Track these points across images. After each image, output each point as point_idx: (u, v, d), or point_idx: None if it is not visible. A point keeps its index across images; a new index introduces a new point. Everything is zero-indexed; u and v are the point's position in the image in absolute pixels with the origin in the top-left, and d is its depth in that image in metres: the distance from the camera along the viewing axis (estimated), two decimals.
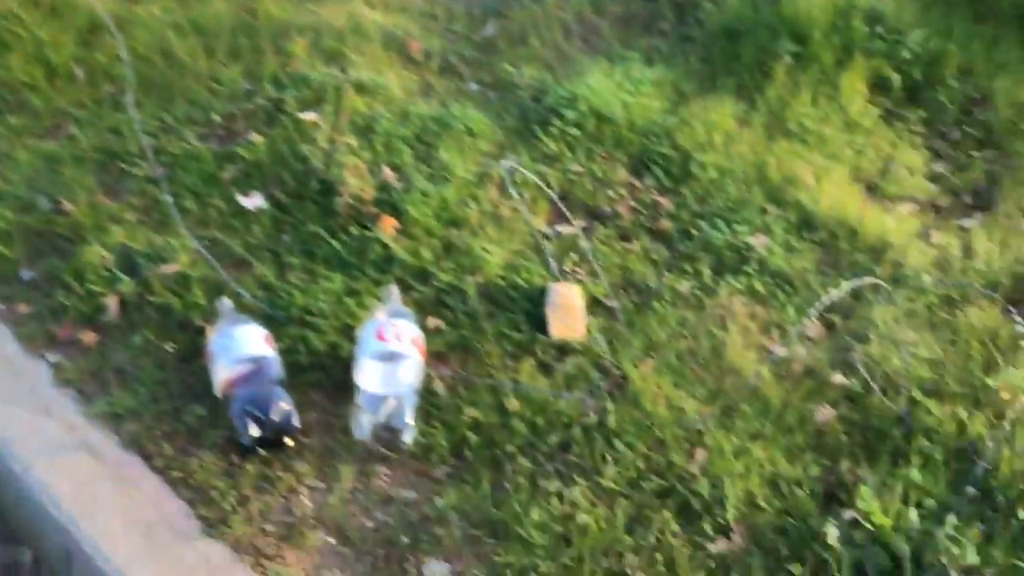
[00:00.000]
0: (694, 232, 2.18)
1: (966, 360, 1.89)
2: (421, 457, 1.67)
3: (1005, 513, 1.60)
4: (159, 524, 1.51)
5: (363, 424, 1.67)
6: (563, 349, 1.87)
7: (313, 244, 2.03)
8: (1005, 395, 1.78)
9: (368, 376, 1.67)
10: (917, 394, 1.79)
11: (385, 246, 2.02)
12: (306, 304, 1.87)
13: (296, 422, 1.64)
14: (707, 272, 2.08)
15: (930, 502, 1.60)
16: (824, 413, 1.78)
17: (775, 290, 2.05)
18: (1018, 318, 1.99)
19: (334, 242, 2.03)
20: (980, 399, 1.80)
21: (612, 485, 1.62)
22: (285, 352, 1.76)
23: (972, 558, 1.48)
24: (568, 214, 2.17)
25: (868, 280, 2.06)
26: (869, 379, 1.83)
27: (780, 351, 1.91)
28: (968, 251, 2.21)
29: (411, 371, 1.68)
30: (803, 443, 1.73)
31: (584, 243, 2.09)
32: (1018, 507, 1.60)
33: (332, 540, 1.53)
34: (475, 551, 1.52)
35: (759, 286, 2.05)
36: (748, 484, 1.63)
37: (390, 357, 1.67)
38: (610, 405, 1.74)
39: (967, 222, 2.34)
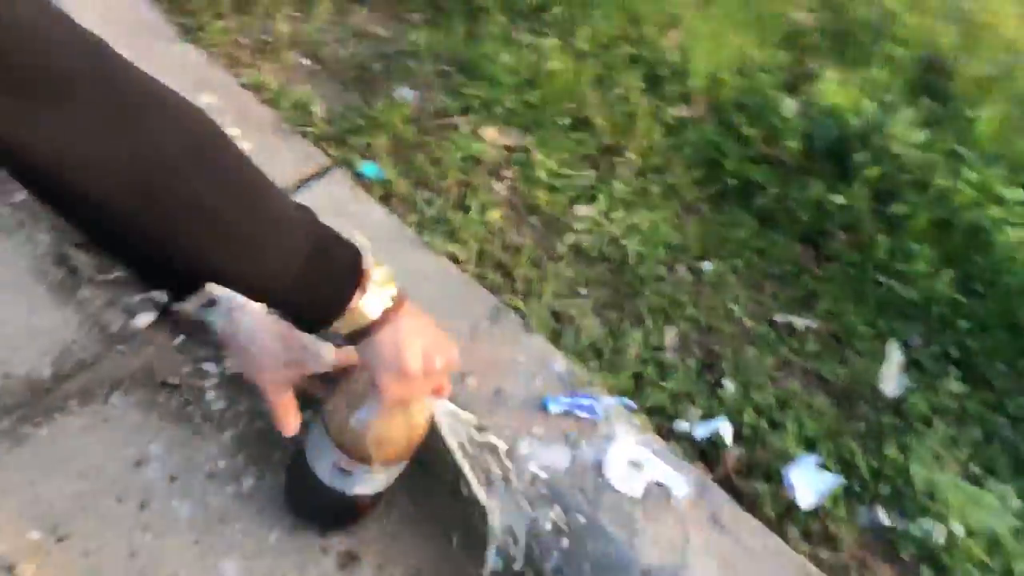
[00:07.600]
0: None
1: None
2: (396, 2, 1.68)
3: (955, 112, 1.66)
4: (136, 26, 1.52)
5: None
6: None
7: None
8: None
9: None
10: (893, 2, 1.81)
11: None
12: None
13: None
14: None
15: (887, 97, 1.66)
16: (801, 16, 1.80)
17: None
18: None
19: None
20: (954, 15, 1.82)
21: (584, 46, 1.65)
22: None
23: (916, 137, 1.56)
24: None
25: None
26: None
27: None
28: None
29: None
30: (776, 37, 1.76)
31: None
32: (967, 107, 1.67)
33: (306, 61, 1.56)
34: (444, 83, 1.56)
35: None
36: (716, 62, 1.67)
37: None
38: None
39: None
